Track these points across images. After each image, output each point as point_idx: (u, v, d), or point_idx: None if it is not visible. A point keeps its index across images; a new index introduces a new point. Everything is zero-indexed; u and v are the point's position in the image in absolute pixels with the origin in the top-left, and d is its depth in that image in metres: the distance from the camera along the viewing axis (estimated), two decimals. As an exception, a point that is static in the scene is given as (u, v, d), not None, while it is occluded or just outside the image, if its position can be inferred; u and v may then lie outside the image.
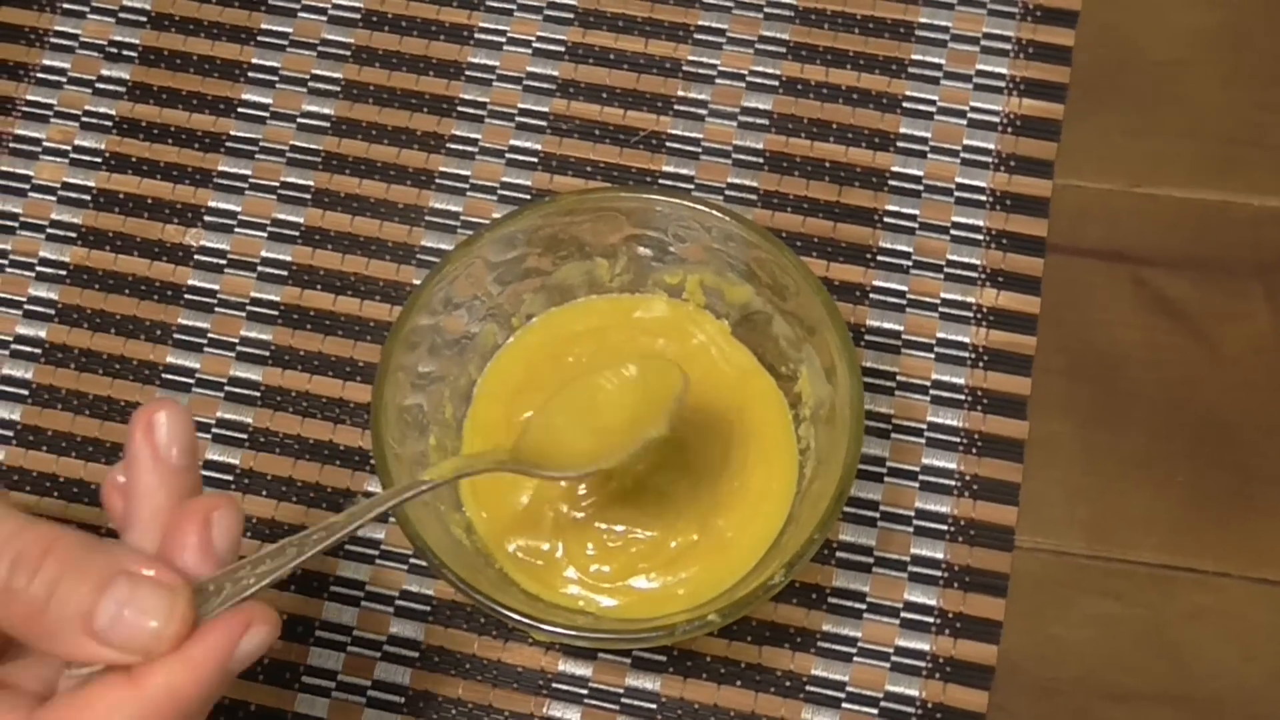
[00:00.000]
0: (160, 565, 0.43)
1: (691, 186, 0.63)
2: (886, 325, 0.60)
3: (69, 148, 0.65)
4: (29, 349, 0.62)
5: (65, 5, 0.67)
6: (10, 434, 0.61)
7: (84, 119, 0.65)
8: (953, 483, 0.58)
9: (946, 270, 0.61)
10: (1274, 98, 0.63)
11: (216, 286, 0.63)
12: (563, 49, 0.65)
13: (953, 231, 0.61)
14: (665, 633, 0.50)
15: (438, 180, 0.64)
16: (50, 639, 0.42)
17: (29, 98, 0.66)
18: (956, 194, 0.62)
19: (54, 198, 0.64)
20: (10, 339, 0.62)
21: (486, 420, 0.57)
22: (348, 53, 0.66)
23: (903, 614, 0.57)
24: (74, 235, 0.64)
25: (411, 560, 0.58)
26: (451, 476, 0.50)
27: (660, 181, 0.63)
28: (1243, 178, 0.61)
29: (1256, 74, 0.63)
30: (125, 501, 0.46)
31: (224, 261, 0.63)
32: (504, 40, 0.66)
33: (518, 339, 0.58)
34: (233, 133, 0.65)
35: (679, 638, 0.50)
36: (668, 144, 0.64)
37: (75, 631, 0.41)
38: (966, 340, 0.60)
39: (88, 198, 0.64)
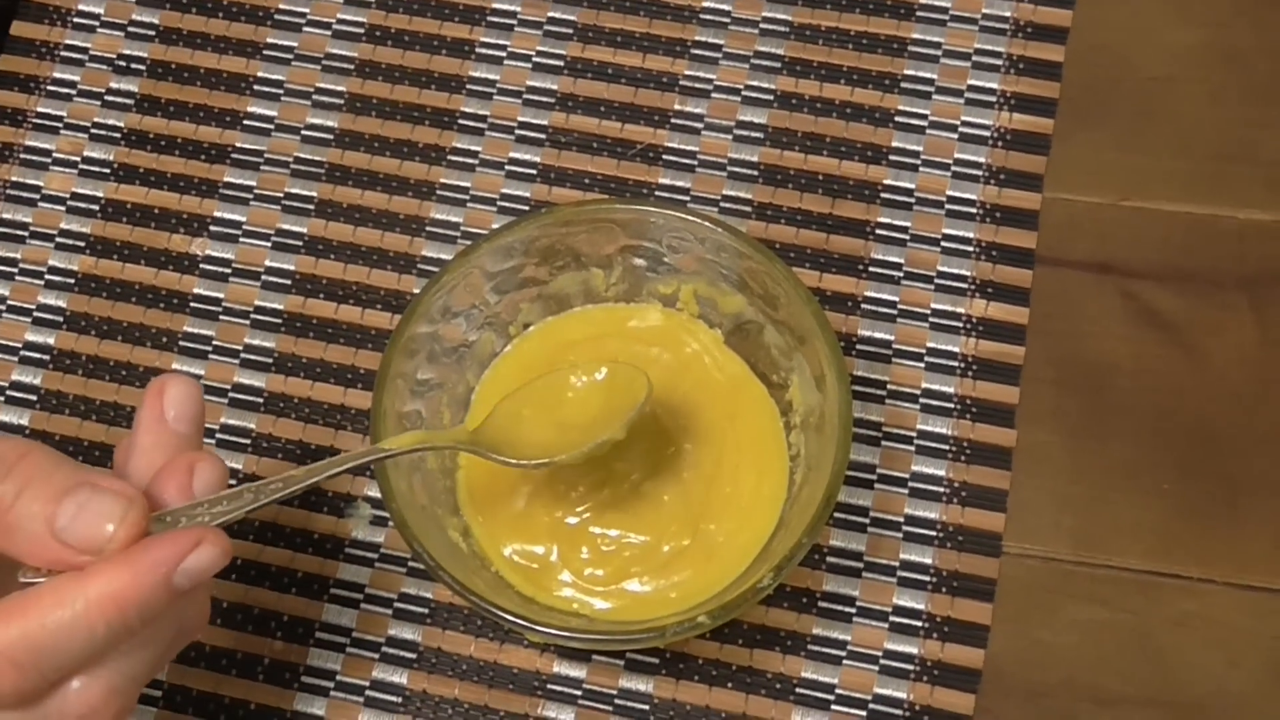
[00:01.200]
0: (121, 482, 0.45)
1: (687, 198, 0.64)
2: (878, 335, 0.61)
3: (78, 159, 0.66)
4: (38, 355, 0.64)
5: (76, 20, 0.68)
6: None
7: (93, 131, 0.67)
8: (942, 489, 0.59)
9: (937, 281, 0.62)
10: (1261, 114, 0.64)
11: (221, 295, 0.64)
12: (562, 64, 0.67)
13: (943, 243, 0.62)
14: (656, 634, 0.51)
15: (439, 191, 0.65)
16: (10, 535, 0.44)
17: (39, 110, 0.67)
18: (947, 207, 0.63)
19: (63, 207, 0.66)
20: (19, 345, 0.64)
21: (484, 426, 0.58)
22: (351, 67, 0.67)
23: (891, 618, 0.58)
24: (82, 244, 0.65)
25: (410, 564, 0.59)
26: (410, 448, 0.52)
27: (657, 193, 0.64)
28: (1230, 192, 0.62)
29: (1244, 91, 0.64)
30: (124, 456, 0.48)
31: (229, 270, 0.64)
32: (504, 55, 0.67)
33: (515, 347, 0.60)
34: (238, 144, 0.66)
35: (670, 639, 0.51)
36: (664, 157, 0.65)
37: (36, 528, 0.43)
38: (956, 350, 0.61)
39: (96, 208, 0.66)
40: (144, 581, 0.43)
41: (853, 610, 0.58)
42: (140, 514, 0.44)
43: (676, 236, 0.57)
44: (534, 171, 0.65)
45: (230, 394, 0.62)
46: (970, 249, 0.62)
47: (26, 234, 0.65)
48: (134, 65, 0.68)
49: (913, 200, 0.63)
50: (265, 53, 0.68)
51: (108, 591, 0.43)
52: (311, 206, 0.65)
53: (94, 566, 0.43)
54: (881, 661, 0.57)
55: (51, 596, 0.43)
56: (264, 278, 0.64)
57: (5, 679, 0.42)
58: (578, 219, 0.57)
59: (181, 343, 0.63)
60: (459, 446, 0.54)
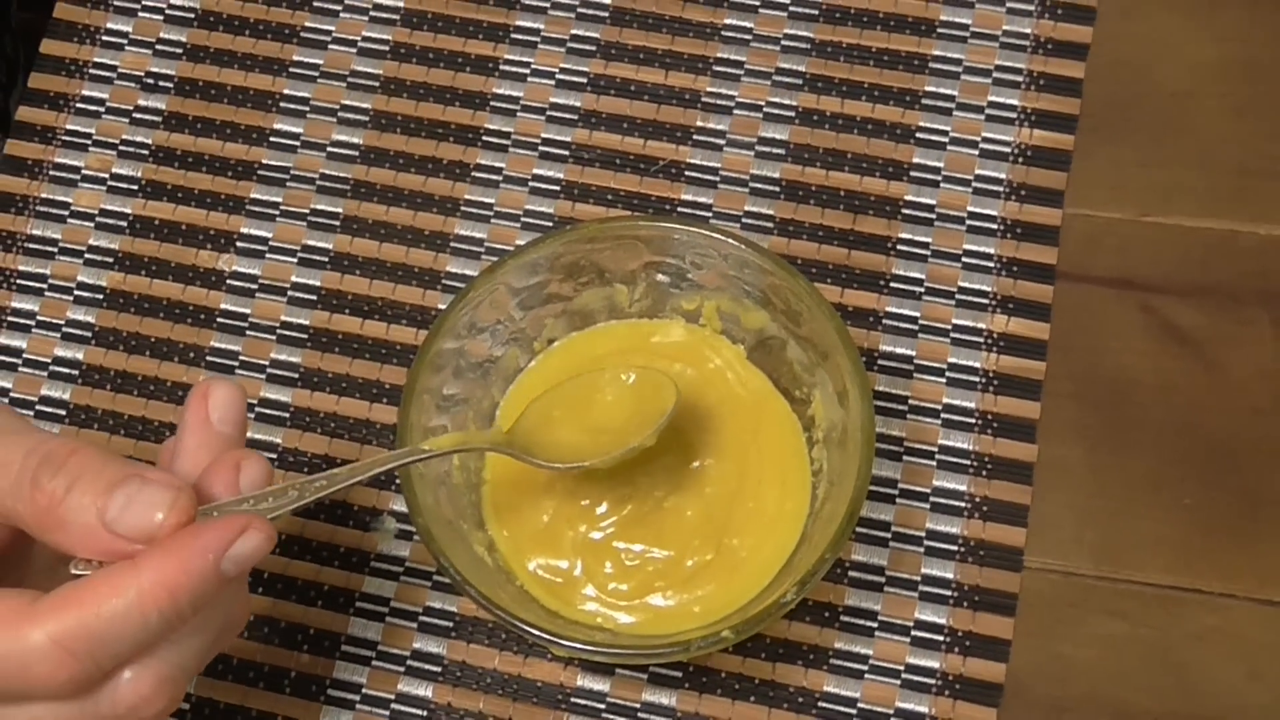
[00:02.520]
0: (169, 474, 0.46)
1: (710, 214, 0.64)
2: (899, 350, 0.62)
3: (107, 175, 0.67)
4: (67, 370, 0.64)
5: (104, 38, 0.69)
6: (48, 453, 0.63)
7: (121, 148, 0.67)
8: (963, 504, 0.59)
9: (958, 297, 0.62)
10: (1281, 129, 0.64)
11: (248, 310, 0.65)
12: (585, 81, 0.67)
13: (964, 259, 0.63)
14: (680, 648, 0.51)
15: (463, 208, 0.65)
16: (63, 528, 0.45)
17: (69, 127, 0.68)
18: (968, 222, 0.63)
19: (92, 224, 0.66)
20: (49, 360, 0.64)
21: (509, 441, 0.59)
22: (376, 84, 0.68)
23: (913, 632, 0.58)
24: (111, 260, 0.66)
25: (435, 578, 0.60)
26: (449, 449, 0.54)
27: (679, 209, 0.65)
28: (1251, 208, 0.63)
29: (1266, 106, 0.64)
30: (167, 459, 0.49)
31: (255, 286, 0.65)
32: (528, 72, 0.67)
33: (539, 362, 0.60)
34: (265, 161, 0.67)
35: (694, 653, 0.51)
36: (687, 173, 0.65)
37: (88, 520, 0.44)
38: (977, 365, 0.61)
39: (124, 224, 0.66)
40: (194, 568, 0.44)
41: (875, 625, 0.58)
42: (189, 501, 0.45)
43: (700, 253, 0.58)
44: (557, 187, 0.66)
45: (257, 409, 0.63)
46: (991, 264, 0.63)
47: (56, 250, 0.66)
48: (162, 83, 0.68)
49: (934, 216, 0.64)
50: (291, 70, 0.68)
51: (159, 578, 0.44)
52: (337, 222, 0.66)
53: (144, 555, 0.44)
54: (903, 676, 0.57)
55: (105, 585, 0.44)
56: (290, 293, 0.65)
57: (63, 668, 0.43)
58: (602, 236, 0.58)
59: (209, 358, 0.64)
60: (496, 448, 0.55)
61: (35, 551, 0.50)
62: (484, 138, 0.67)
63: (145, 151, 0.67)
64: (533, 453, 0.55)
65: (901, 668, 0.57)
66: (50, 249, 0.66)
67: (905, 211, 0.64)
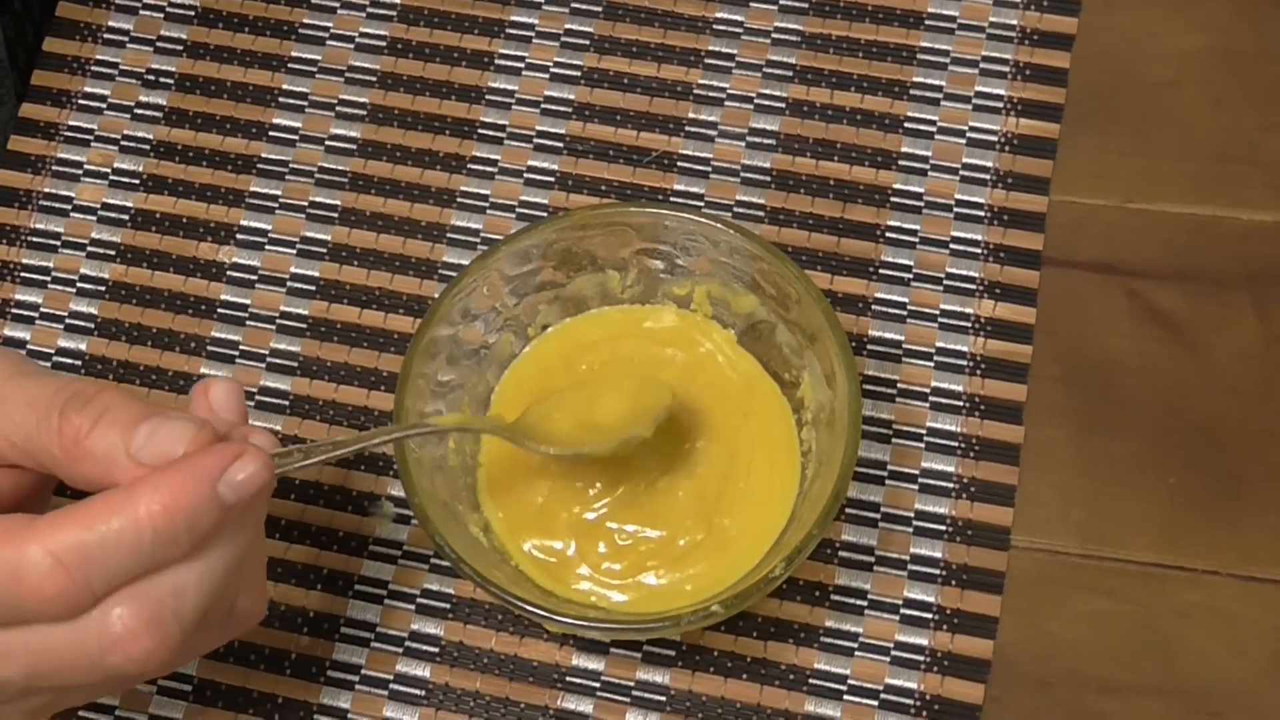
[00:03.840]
0: (191, 414, 0.48)
1: (702, 204, 0.65)
2: (888, 335, 0.63)
3: (109, 170, 0.68)
4: (70, 361, 0.65)
5: (106, 36, 0.70)
6: (52, 441, 0.64)
7: (123, 143, 0.69)
8: (951, 485, 0.60)
9: (946, 283, 0.63)
10: (1263, 117, 0.65)
11: (248, 301, 0.66)
12: (579, 74, 0.68)
13: (952, 246, 0.64)
14: (671, 623, 0.52)
15: (459, 199, 0.67)
16: (89, 459, 0.47)
17: (71, 123, 0.69)
18: (956, 210, 0.64)
19: (94, 217, 0.68)
20: (52, 351, 0.65)
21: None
22: (374, 79, 0.69)
23: (902, 610, 0.59)
24: (113, 253, 0.67)
25: (432, 560, 0.61)
26: (452, 427, 0.56)
27: (672, 199, 0.66)
28: (1233, 194, 0.64)
29: (1247, 95, 0.65)
30: None
31: (255, 277, 0.66)
32: (523, 66, 0.68)
33: (533, 348, 0.61)
34: (264, 155, 0.68)
35: (684, 628, 0.52)
36: (679, 163, 0.66)
37: (113, 452, 0.46)
38: (965, 349, 0.62)
39: (126, 217, 0.67)
40: (190, 490, 0.46)
41: (864, 603, 0.59)
42: (210, 435, 0.47)
43: (690, 239, 0.59)
44: (552, 179, 0.67)
45: (257, 397, 0.64)
46: (978, 251, 0.64)
47: (59, 243, 0.67)
48: (163, 79, 0.70)
49: (922, 204, 0.65)
50: (290, 66, 0.69)
51: (156, 498, 0.45)
52: (335, 214, 0.67)
53: (142, 478, 0.46)
54: (893, 653, 0.58)
55: (102, 505, 0.45)
56: (289, 284, 0.66)
57: (53, 581, 0.44)
58: (593, 223, 0.59)
59: (209, 347, 0.65)
60: (499, 433, 0.56)
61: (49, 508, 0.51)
62: (480, 131, 0.68)
63: (147, 146, 0.69)
64: (534, 440, 0.56)
65: (891, 645, 0.58)
66: (53, 242, 0.67)
67: (894, 200, 0.65)
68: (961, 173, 0.65)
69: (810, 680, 0.58)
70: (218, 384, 0.51)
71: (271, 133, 0.68)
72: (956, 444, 0.61)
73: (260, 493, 0.47)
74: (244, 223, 0.67)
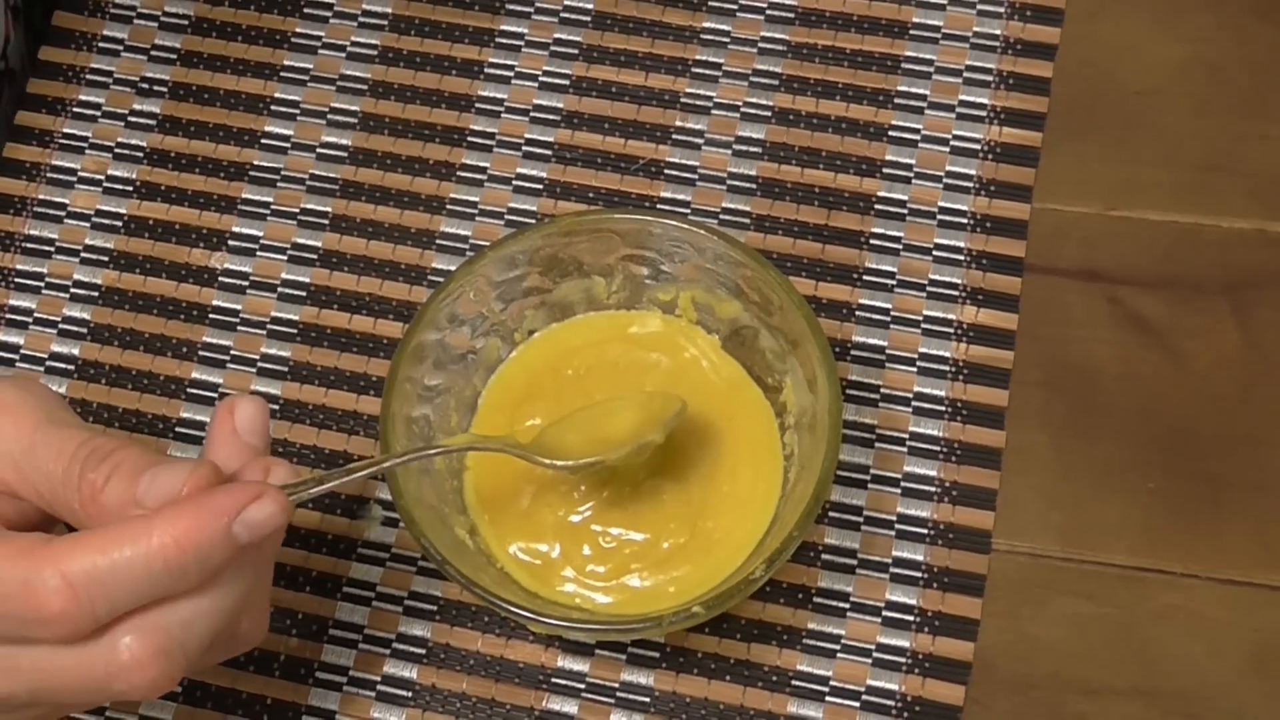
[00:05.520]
0: (195, 459, 0.49)
1: (688, 211, 0.66)
2: (872, 341, 0.63)
3: (102, 177, 0.69)
4: (63, 365, 0.66)
5: (101, 44, 0.71)
6: (45, 445, 0.65)
7: (117, 150, 0.69)
8: (933, 489, 0.61)
9: (929, 289, 0.64)
10: (1243, 126, 0.66)
11: (239, 306, 0.66)
12: (568, 83, 0.69)
13: (935, 252, 0.65)
14: (653, 624, 0.53)
15: (449, 206, 0.67)
16: (103, 515, 0.48)
17: (66, 130, 0.70)
18: (939, 217, 0.65)
19: (88, 224, 0.68)
20: (46, 356, 0.66)
21: (490, 430, 0.60)
22: (365, 87, 0.70)
23: (884, 613, 0.59)
24: (106, 259, 0.68)
25: (420, 563, 0.62)
26: (463, 447, 0.57)
27: (659, 206, 0.66)
28: (1213, 201, 0.64)
29: (1227, 103, 0.66)
30: None
31: (246, 283, 0.67)
32: (512, 75, 0.69)
33: (520, 353, 0.62)
34: (256, 162, 0.69)
35: (666, 628, 0.53)
36: (666, 171, 0.67)
37: (124, 500, 0.47)
38: (947, 355, 0.63)
39: (119, 224, 0.68)
40: (205, 526, 0.46)
41: (847, 605, 0.60)
42: (209, 470, 0.48)
43: (675, 245, 0.59)
44: (540, 186, 0.67)
45: (248, 401, 0.65)
46: (961, 258, 0.64)
47: (53, 249, 0.68)
48: (156, 87, 0.70)
49: (906, 211, 0.65)
50: (282, 74, 0.70)
51: (170, 531, 0.46)
52: (326, 221, 0.68)
53: (160, 510, 0.47)
54: (874, 655, 0.59)
55: (119, 533, 0.46)
56: (280, 290, 0.67)
57: (58, 598, 0.45)
58: (579, 229, 0.59)
59: (201, 352, 0.66)
60: (509, 451, 0.56)
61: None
62: (469, 138, 0.68)
63: (140, 154, 0.69)
64: (545, 456, 0.56)
65: (873, 647, 0.59)
66: (47, 248, 0.68)
67: (878, 207, 0.66)
68: (945, 180, 0.66)
69: (793, 681, 0.59)
70: (244, 405, 0.52)
71: (264, 140, 0.69)
72: (938, 448, 0.62)
73: (275, 533, 0.48)
74: (236, 229, 0.68)
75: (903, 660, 0.59)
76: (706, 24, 0.69)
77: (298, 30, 0.71)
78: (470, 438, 0.58)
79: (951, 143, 0.66)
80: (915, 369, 0.63)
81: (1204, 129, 0.66)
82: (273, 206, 0.68)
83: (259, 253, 0.67)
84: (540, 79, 0.69)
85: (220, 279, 0.67)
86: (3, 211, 0.69)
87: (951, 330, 0.63)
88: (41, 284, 0.67)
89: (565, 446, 0.57)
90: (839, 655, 0.59)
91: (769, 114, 0.68)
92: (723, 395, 0.60)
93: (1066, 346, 0.63)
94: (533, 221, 0.67)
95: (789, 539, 0.53)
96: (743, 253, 0.58)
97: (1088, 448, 0.61)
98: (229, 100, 0.70)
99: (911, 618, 0.59)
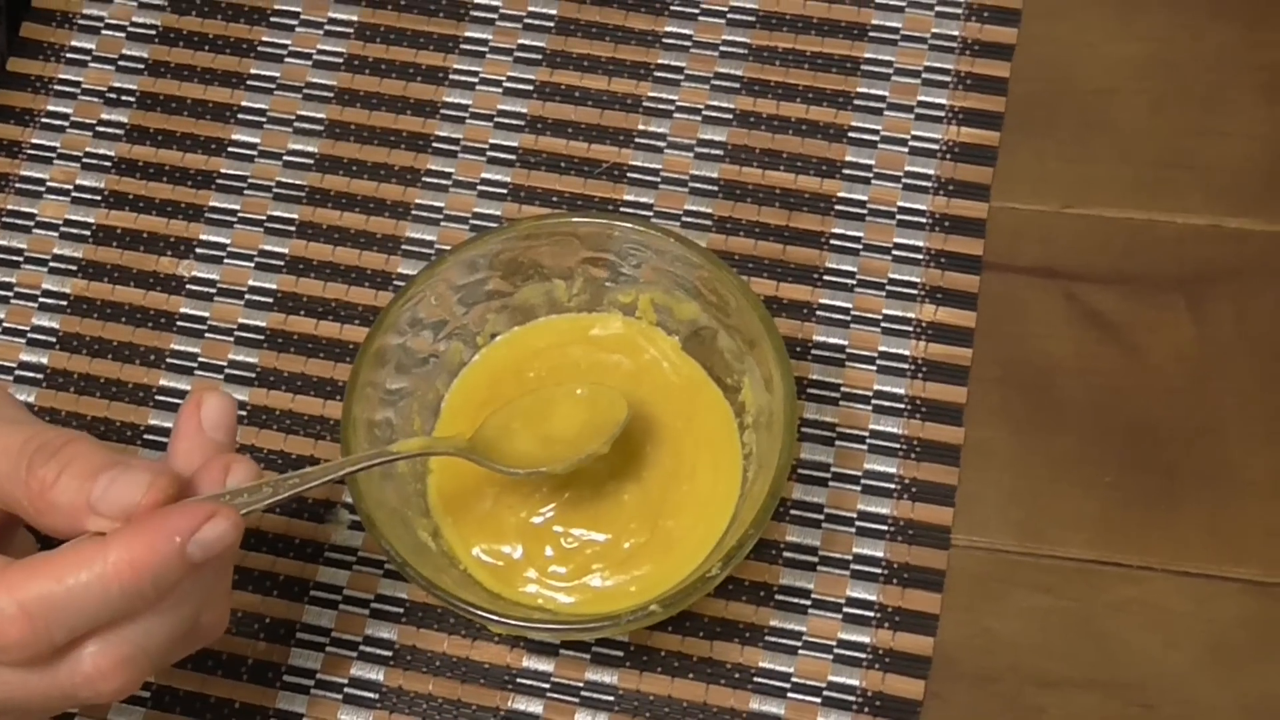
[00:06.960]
0: (153, 462, 0.49)
1: (651, 214, 0.67)
2: (832, 340, 0.64)
3: (70, 187, 0.70)
4: (32, 374, 0.67)
5: (69, 55, 0.72)
6: (14, 453, 0.65)
7: (85, 160, 0.70)
8: (893, 486, 0.62)
9: (888, 288, 0.65)
10: (1199, 123, 0.66)
11: (207, 314, 0.67)
12: (531, 88, 0.70)
13: (895, 252, 0.65)
14: (612, 622, 0.54)
15: (414, 211, 0.68)
16: (54, 511, 0.48)
17: (34, 141, 0.70)
18: (898, 217, 0.66)
19: (56, 233, 0.69)
20: (14, 365, 0.67)
21: (454, 433, 0.61)
22: (331, 94, 0.70)
23: (845, 609, 0.60)
24: (74, 268, 0.68)
25: (386, 566, 0.62)
26: (416, 452, 0.56)
27: (623, 209, 0.67)
28: (1168, 198, 0.65)
29: (1182, 101, 0.67)
30: (160, 464, 0.51)
31: (214, 290, 0.67)
32: (477, 80, 0.70)
33: (482, 356, 0.62)
34: (223, 170, 0.69)
35: (625, 627, 0.54)
36: (629, 174, 0.68)
37: (75, 503, 0.47)
38: (907, 353, 0.64)
39: (88, 233, 0.69)
40: (159, 548, 0.46)
41: (808, 602, 0.60)
42: (167, 483, 0.48)
43: (634, 248, 0.60)
44: (505, 191, 0.68)
45: (215, 407, 0.65)
46: (920, 257, 0.65)
47: (21, 259, 0.69)
48: (124, 97, 0.71)
49: (865, 211, 0.66)
50: (249, 83, 0.71)
51: (124, 555, 0.46)
52: (293, 228, 0.68)
53: (114, 533, 0.47)
54: (835, 651, 0.59)
55: (73, 557, 0.46)
56: (247, 296, 0.67)
57: (15, 626, 0.45)
58: (539, 233, 0.60)
59: (169, 360, 0.66)
60: (460, 454, 0.57)
61: (18, 540, 0.53)
62: (434, 144, 0.69)
63: (108, 163, 0.70)
64: (492, 459, 0.57)
65: (834, 643, 0.60)
66: (16, 258, 0.69)
67: (838, 208, 0.66)
68: (904, 180, 0.66)
69: (755, 679, 0.59)
70: (211, 400, 0.52)
71: (231, 148, 0.70)
72: (898, 445, 0.62)
73: (229, 549, 0.48)
74: (204, 237, 0.68)
75: (863, 655, 0.59)
76: (669, 28, 0.70)
77: (264, 39, 0.71)
78: (421, 442, 0.57)
79: (910, 143, 0.67)
80: (875, 367, 0.63)
81: (1160, 127, 0.66)
82: (240, 214, 0.69)
83: (226, 260, 0.68)
84: (504, 84, 0.70)
85: (188, 286, 0.68)
86: (-28, 222, 0.69)
87: (911, 328, 0.64)
88: (10, 293, 0.68)
89: (513, 441, 0.58)
90: (800, 651, 0.60)
91: (730, 117, 0.68)
92: (683, 395, 0.61)
93: (1024, 343, 0.63)
94: (497, 226, 0.67)
95: (746, 537, 0.53)
96: (699, 254, 0.58)
97: (1046, 443, 0.62)
98: (196, 109, 0.71)
99: (872, 613, 0.60)
